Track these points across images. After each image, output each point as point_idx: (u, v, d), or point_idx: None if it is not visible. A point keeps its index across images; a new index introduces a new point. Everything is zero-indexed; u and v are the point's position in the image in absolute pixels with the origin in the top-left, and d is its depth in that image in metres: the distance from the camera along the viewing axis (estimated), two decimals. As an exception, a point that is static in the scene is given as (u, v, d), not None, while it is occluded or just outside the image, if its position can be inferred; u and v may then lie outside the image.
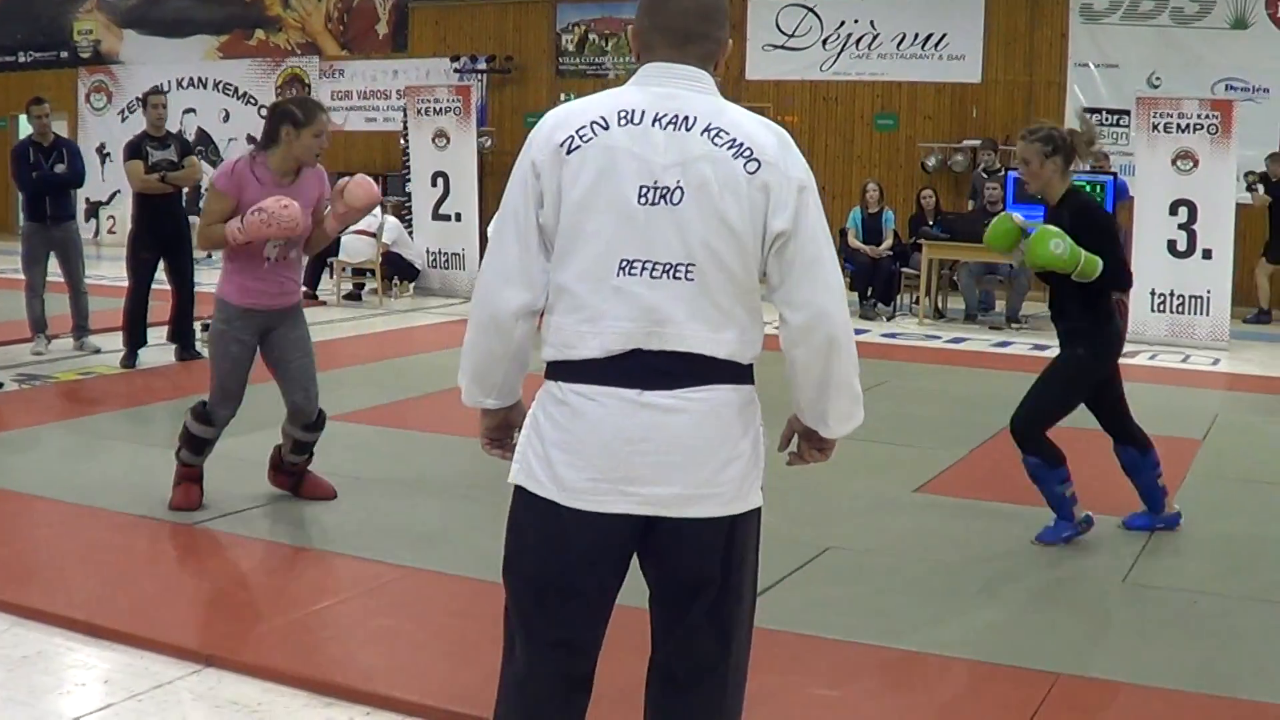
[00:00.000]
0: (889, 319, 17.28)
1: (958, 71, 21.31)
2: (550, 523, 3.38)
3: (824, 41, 22.09)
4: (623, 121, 3.29)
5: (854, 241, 17.67)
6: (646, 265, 3.25)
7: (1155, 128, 15.79)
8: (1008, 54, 20.93)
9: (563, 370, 3.33)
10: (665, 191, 3.25)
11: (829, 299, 3.37)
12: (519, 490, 3.46)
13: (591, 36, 23.69)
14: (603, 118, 3.30)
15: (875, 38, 21.83)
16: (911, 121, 21.78)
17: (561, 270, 3.30)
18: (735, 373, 3.38)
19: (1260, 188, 17.88)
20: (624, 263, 3.25)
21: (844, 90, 22.15)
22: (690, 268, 3.25)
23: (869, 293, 17.58)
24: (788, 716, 4.89)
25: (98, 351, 12.54)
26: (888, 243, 17.66)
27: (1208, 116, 15.69)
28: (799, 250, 3.32)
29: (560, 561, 3.41)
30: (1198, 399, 12.19)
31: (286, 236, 7.02)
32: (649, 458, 3.27)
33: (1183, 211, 15.45)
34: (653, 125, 3.28)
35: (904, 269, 17.78)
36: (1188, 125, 15.71)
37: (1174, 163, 15.48)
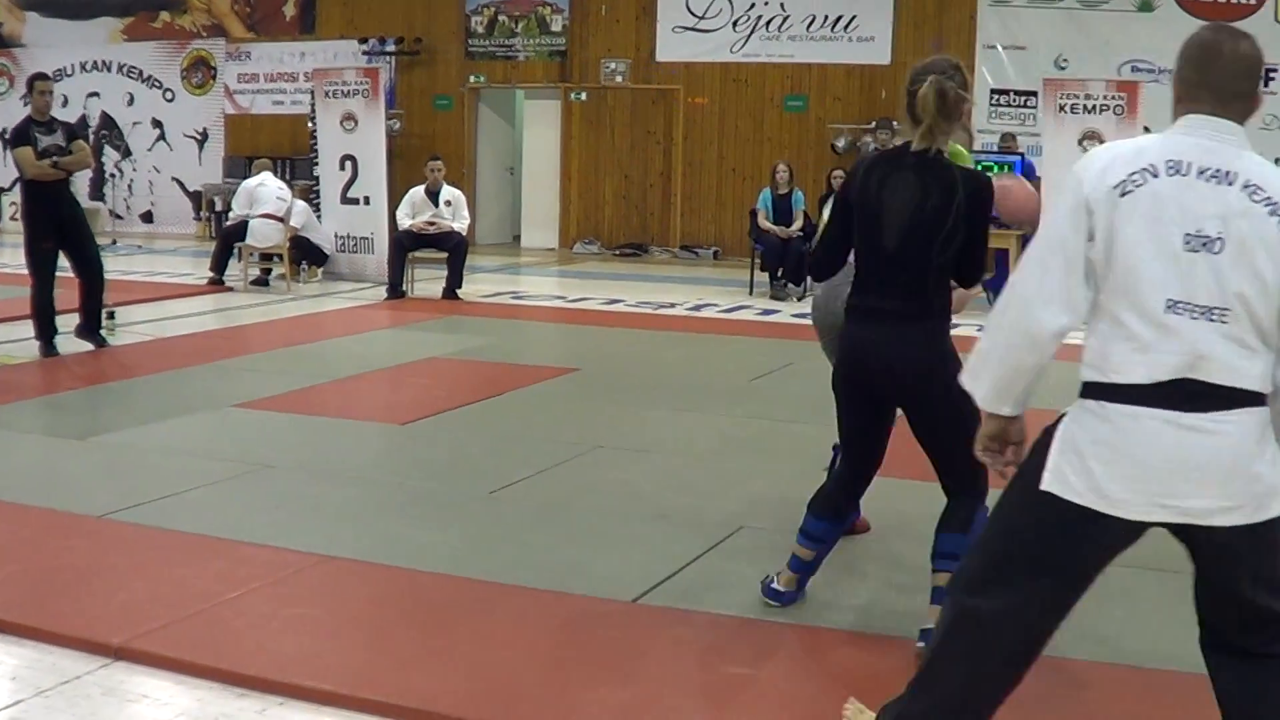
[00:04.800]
0: (799, 299, 17.28)
1: (867, 53, 21.43)
2: (1078, 525, 3.69)
3: (734, 23, 22.14)
4: (1170, 171, 3.60)
5: (764, 223, 17.79)
6: (1187, 306, 3.55)
7: (1062, 109, 15.97)
8: (917, 36, 21.03)
9: (1103, 391, 3.67)
10: (1207, 240, 3.55)
11: None
12: (1048, 496, 3.72)
13: (501, 18, 23.61)
14: (1152, 165, 3.61)
15: (785, 19, 21.91)
16: (821, 103, 21.89)
17: (1113, 302, 3.64)
18: (1257, 400, 3.65)
19: None
20: (1170, 302, 3.56)
21: (754, 72, 22.22)
22: (1225, 312, 3.55)
23: (779, 273, 17.68)
24: (705, 697, 4.88)
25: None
26: (798, 223, 17.74)
27: (1114, 98, 15.88)
28: None
29: (1077, 555, 3.75)
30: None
31: None
32: (1187, 473, 3.59)
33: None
34: (1197, 178, 3.59)
35: (814, 249, 17.82)
36: (1094, 106, 15.89)
37: (1080, 143, 15.59)
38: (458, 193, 17.34)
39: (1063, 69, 19.75)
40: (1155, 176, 3.60)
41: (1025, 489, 3.79)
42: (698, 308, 16.35)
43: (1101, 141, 15.45)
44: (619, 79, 23.01)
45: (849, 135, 21.07)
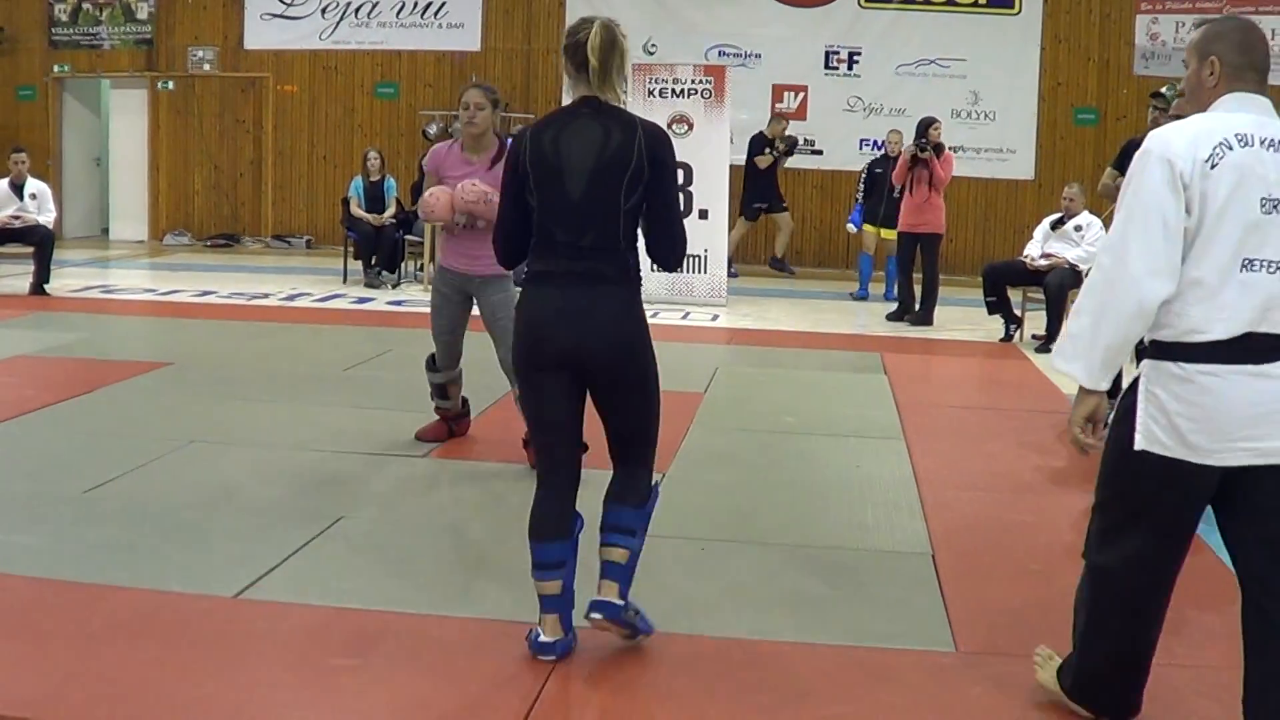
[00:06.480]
0: (394, 286, 17.44)
1: (457, 40, 21.58)
2: (1175, 477, 4.23)
3: (323, 10, 22.04)
4: (1240, 144, 4.12)
5: (356, 210, 17.75)
6: (1262, 263, 4.11)
7: (651, 93, 16.37)
8: (506, 22, 21.28)
9: (1181, 351, 4.19)
10: (1276, 203, 4.11)
11: None
12: (1143, 454, 4.25)
13: (86, 6, 22.99)
14: (1225, 140, 4.12)
15: (375, 6, 21.90)
16: (412, 90, 21.98)
17: (1196, 267, 4.13)
18: None
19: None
20: (1246, 261, 4.10)
21: (344, 59, 22.15)
22: None
23: (373, 261, 17.65)
24: (310, 689, 4.91)
25: None
26: (390, 210, 17.79)
27: (701, 81, 16.35)
28: None
29: (1167, 503, 4.30)
30: (699, 354, 12.69)
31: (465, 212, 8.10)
32: (1264, 418, 4.14)
33: (679, 174, 15.97)
34: (1261, 148, 4.13)
35: (408, 236, 17.94)
36: (683, 90, 16.34)
37: (670, 127, 16.01)
38: (43, 185, 16.83)
39: (651, 54, 20.21)
40: (1231, 149, 4.11)
41: (1122, 453, 4.31)
42: (291, 297, 16.26)
43: (691, 125, 15.97)
44: (207, 67, 22.61)
45: (440, 121, 21.16)
